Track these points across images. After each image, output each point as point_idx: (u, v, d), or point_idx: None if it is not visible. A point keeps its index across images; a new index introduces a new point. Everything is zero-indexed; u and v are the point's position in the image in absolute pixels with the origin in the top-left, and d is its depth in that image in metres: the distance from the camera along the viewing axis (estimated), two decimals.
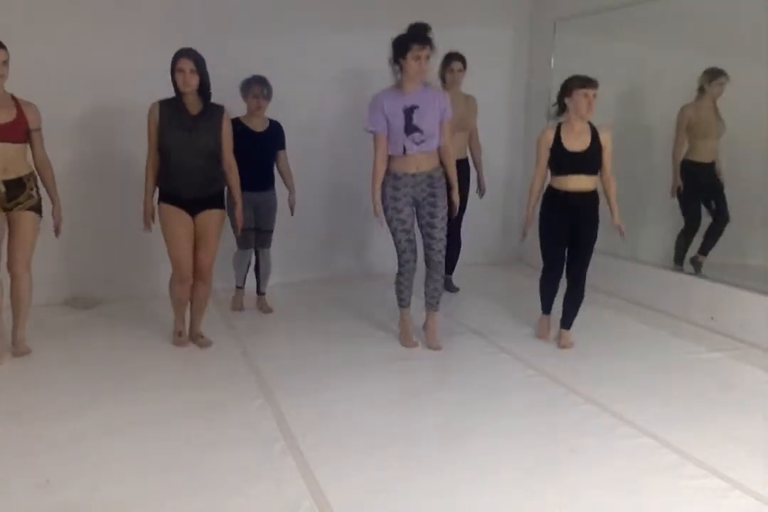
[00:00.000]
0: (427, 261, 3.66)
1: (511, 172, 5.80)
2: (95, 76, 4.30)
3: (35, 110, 3.41)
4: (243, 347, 3.68)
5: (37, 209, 3.47)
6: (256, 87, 4.04)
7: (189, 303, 3.72)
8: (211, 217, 3.54)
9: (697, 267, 4.49)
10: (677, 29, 4.52)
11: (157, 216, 3.56)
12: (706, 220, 4.56)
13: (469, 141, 4.76)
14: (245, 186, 4.00)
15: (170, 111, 3.42)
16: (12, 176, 3.35)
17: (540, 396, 3.08)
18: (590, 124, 3.58)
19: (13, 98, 3.37)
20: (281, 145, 4.27)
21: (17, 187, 3.37)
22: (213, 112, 3.47)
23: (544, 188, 3.76)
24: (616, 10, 4.71)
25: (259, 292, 4.44)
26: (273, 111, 4.23)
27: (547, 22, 5.41)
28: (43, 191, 3.53)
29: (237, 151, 3.78)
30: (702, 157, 4.49)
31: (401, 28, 3.59)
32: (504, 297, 4.88)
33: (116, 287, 4.61)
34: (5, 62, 3.26)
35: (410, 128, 3.43)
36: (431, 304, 3.72)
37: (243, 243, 4.27)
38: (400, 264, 3.68)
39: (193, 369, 3.39)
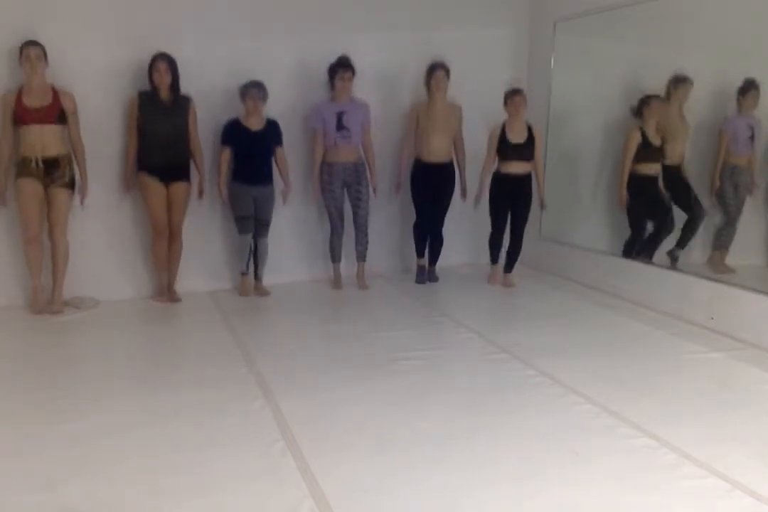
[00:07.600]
0: (355, 225, 4.89)
1: None
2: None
3: (70, 97, 4.08)
4: (243, 347, 3.68)
5: (70, 186, 4.15)
6: (252, 90, 4.42)
7: (167, 261, 4.50)
8: (179, 187, 4.40)
9: (673, 261, 4.57)
10: (677, 29, 4.52)
11: (138, 186, 4.41)
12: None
13: (455, 146, 4.95)
14: (245, 180, 4.52)
15: (147, 100, 4.28)
16: (49, 155, 4.02)
17: (540, 396, 3.08)
18: (528, 124, 4.76)
19: (53, 88, 4.03)
20: (278, 142, 4.62)
21: (53, 165, 4.04)
22: (181, 100, 4.34)
23: (493, 172, 4.84)
24: (616, 10, 4.71)
25: (257, 277, 4.79)
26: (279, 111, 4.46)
27: (547, 22, 5.41)
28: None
29: (237, 149, 4.51)
30: (669, 160, 4.69)
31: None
32: (503, 297, 4.89)
33: (116, 287, 4.61)
34: (39, 57, 3.90)
35: (340, 126, 4.63)
36: (359, 256, 4.95)
37: (242, 228, 4.62)
38: (331, 230, 4.87)
39: (193, 369, 3.39)
